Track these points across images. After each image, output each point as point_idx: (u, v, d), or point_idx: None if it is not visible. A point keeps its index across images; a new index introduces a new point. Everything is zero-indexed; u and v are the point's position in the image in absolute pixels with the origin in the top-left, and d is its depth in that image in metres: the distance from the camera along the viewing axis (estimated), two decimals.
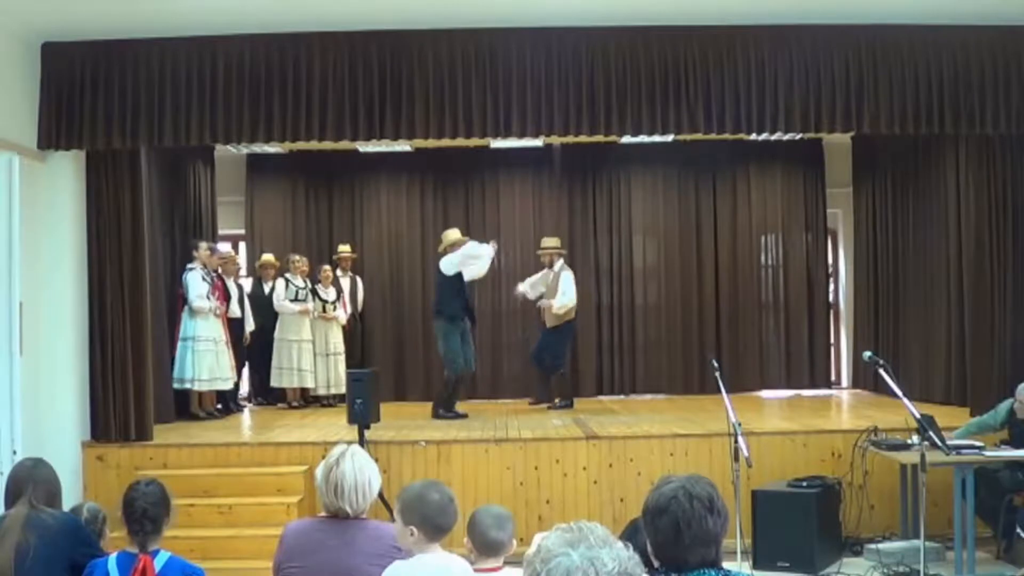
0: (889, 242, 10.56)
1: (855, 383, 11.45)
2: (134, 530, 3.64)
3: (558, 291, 9.84)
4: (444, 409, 9.07)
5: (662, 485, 2.48)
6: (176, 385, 9.11)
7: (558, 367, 9.96)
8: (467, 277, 9.42)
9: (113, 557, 3.63)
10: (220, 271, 9.83)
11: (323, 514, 3.60)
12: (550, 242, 10.35)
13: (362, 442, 6.79)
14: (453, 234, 9.58)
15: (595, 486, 7.27)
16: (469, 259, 9.31)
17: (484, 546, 3.38)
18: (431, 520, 3.26)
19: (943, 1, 6.96)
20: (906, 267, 10.22)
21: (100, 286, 7.51)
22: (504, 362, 11.64)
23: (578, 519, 1.89)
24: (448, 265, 9.26)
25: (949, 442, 6.04)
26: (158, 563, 3.59)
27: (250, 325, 10.39)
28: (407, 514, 3.29)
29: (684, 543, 2.39)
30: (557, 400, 9.86)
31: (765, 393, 11.30)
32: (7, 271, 6.81)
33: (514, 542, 3.49)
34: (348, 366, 10.20)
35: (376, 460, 3.79)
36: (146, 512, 3.62)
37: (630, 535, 4.87)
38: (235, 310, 10.04)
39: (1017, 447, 6.47)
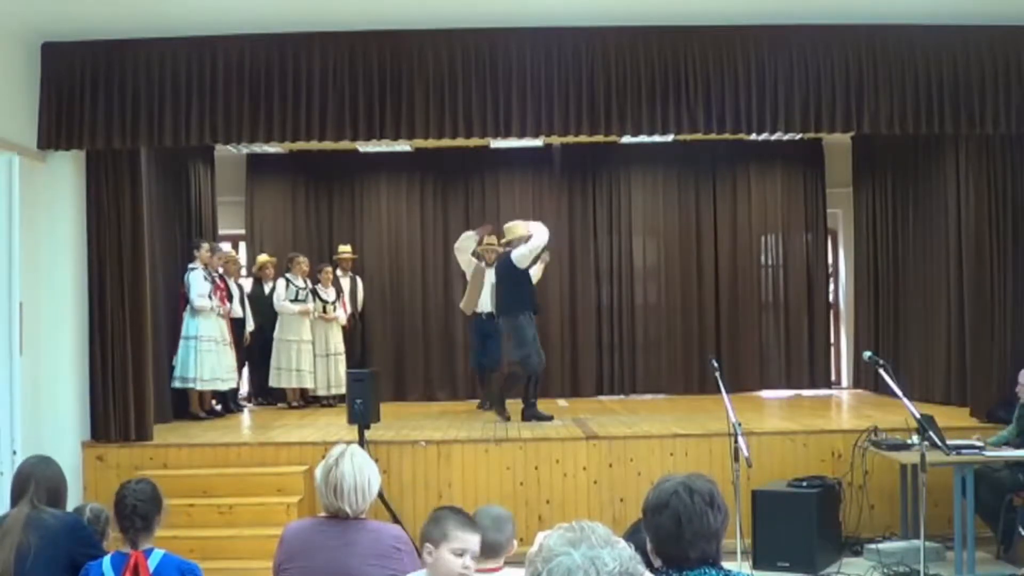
0: (889, 242, 10.56)
1: (855, 383, 11.45)
2: (124, 527, 3.65)
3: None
4: (531, 409, 8.58)
5: (662, 483, 2.49)
6: (179, 384, 9.11)
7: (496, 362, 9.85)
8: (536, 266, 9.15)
9: (107, 558, 3.63)
10: (223, 271, 9.84)
11: (323, 514, 3.60)
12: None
13: (362, 442, 6.78)
14: (521, 227, 8.97)
15: (595, 486, 7.27)
16: (540, 248, 8.84)
17: (483, 547, 3.39)
18: None
19: (943, 1, 6.96)
20: (906, 267, 10.22)
21: (100, 286, 7.50)
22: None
23: (578, 519, 1.89)
24: (521, 258, 8.68)
25: (949, 442, 6.04)
26: (152, 561, 3.60)
27: (251, 325, 10.39)
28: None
29: (685, 539, 2.39)
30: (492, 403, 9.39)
31: (765, 393, 11.29)
32: (7, 271, 6.81)
33: (515, 543, 3.49)
34: (348, 366, 10.19)
35: (376, 460, 3.79)
36: (136, 509, 3.63)
37: (631, 535, 4.87)
38: (237, 310, 10.05)
39: (1019, 446, 6.48)
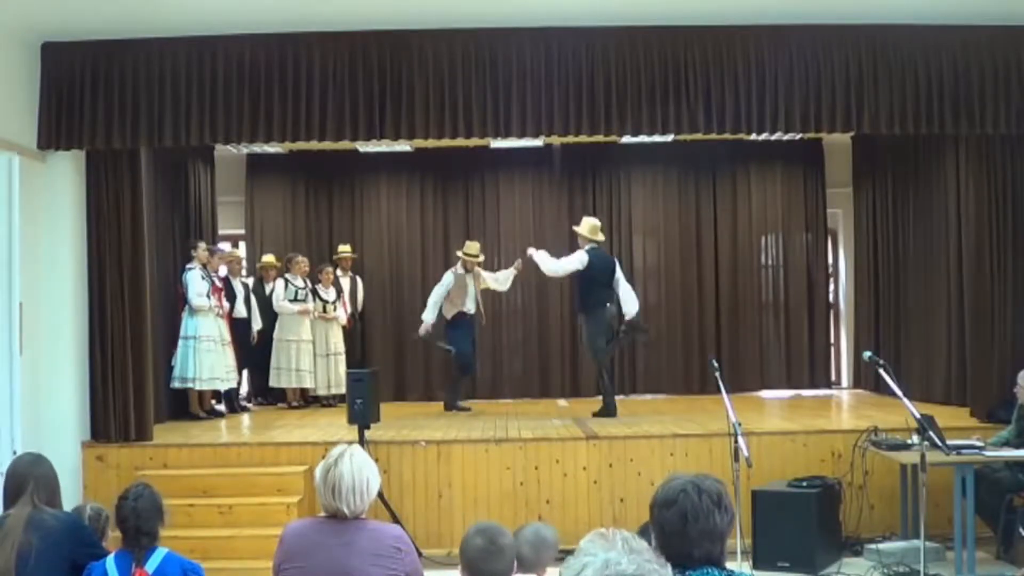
0: (889, 242, 10.56)
1: (855, 383, 11.45)
2: (129, 545, 3.67)
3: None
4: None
5: (671, 480, 2.51)
6: (178, 384, 9.10)
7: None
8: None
9: (111, 557, 3.63)
10: (228, 271, 9.84)
11: (323, 514, 3.60)
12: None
13: (362, 442, 6.79)
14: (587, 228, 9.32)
15: (595, 486, 7.26)
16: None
17: (519, 562, 3.39)
18: (473, 566, 3.25)
19: (943, 1, 6.96)
20: (906, 267, 10.22)
21: (100, 286, 7.51)
22: (504, 362, 11.64)
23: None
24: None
25: (949, 442, 6.04)
26: (154, 560, 3.62)
27: (258, 324, 10.37)
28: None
29: (690, 536, 2.40)
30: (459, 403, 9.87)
31: (765, 393, 11.29)
32: (7, 271, 6.81)
33: (550, 571, 3.48)
34: (348, 366, 10.20)
35: (376, 460, 3.79)
36: (140, 528, 3.66)
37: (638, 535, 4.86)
38: (240, 310, 10.03)
39: (1018, 447, 6.47)
